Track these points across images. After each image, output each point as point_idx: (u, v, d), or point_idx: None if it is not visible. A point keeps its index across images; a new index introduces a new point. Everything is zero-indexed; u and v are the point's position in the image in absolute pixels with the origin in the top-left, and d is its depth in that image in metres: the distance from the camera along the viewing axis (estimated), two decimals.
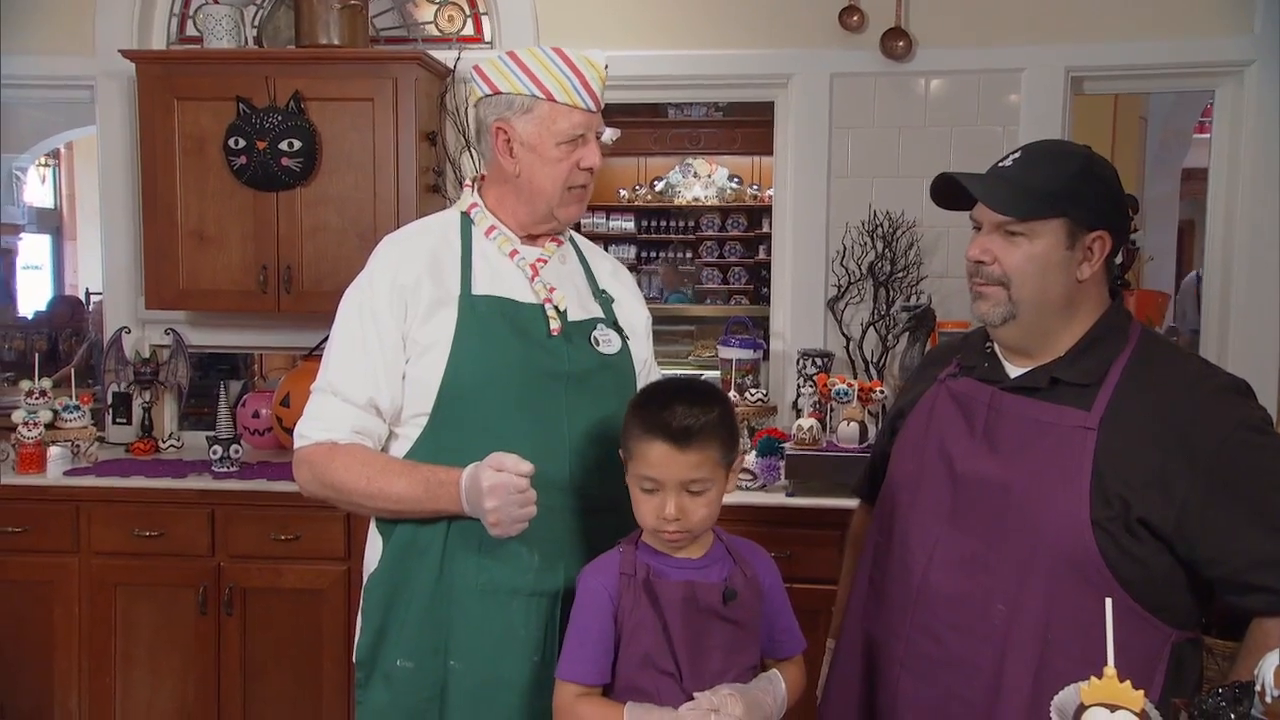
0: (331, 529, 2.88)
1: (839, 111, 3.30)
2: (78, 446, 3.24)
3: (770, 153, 3.56)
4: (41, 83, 3.54)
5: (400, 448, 1.60)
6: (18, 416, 3.03)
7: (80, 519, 2.92)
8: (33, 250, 8.46)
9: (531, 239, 1.68)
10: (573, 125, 1.57)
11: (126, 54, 3.23)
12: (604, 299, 1.73)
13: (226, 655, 2.90)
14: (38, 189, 8.36)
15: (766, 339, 3.54)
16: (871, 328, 3.30)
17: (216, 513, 2.91)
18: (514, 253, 1.64)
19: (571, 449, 1.58)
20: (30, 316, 7.51)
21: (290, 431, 3.29)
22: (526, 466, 1.41)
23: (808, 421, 2.79)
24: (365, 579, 1.65)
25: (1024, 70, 3.19)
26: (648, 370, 1.78)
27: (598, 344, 1.64)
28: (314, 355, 3.45)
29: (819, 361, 3.18)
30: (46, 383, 3.15)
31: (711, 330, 6.46)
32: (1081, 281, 1.42)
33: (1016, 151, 1.48)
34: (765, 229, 7.02)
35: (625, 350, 1.69)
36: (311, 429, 1.60)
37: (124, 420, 3.55)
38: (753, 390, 3.24)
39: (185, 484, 2.93)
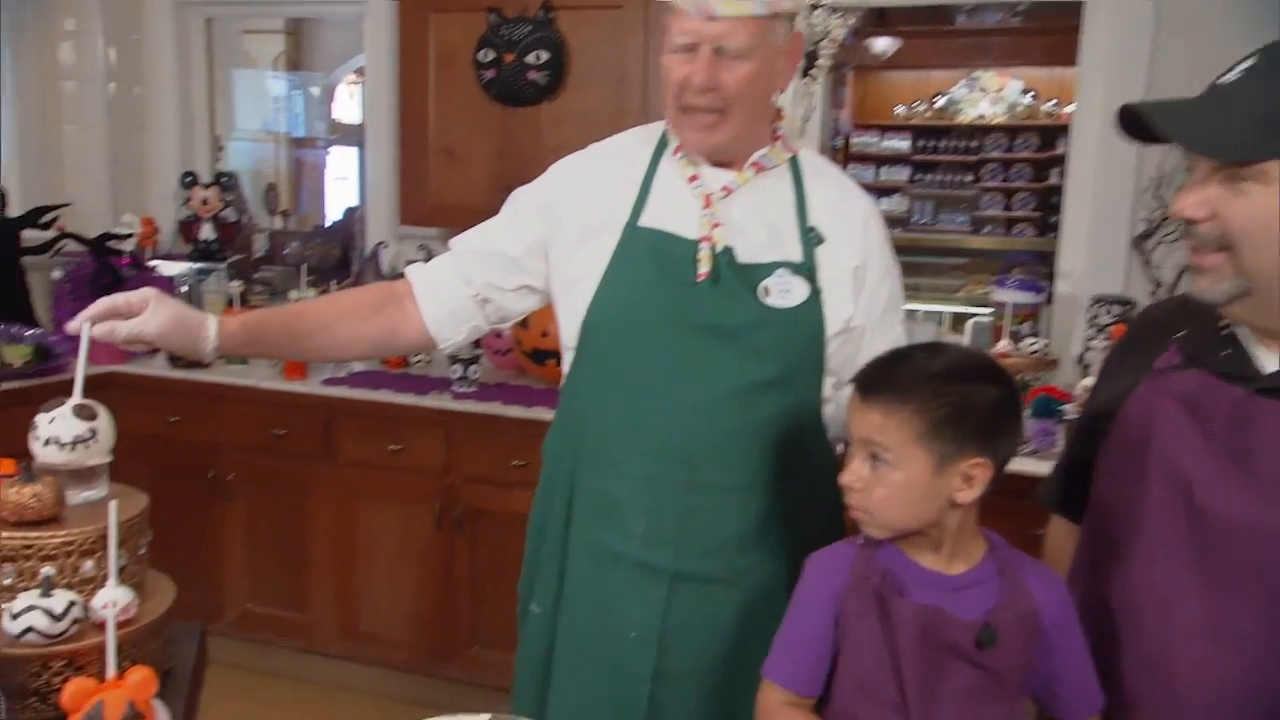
0: None
1: (1167, 13, 2.72)
2: None
3: (1073, 63, 3.02)
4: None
5: (564, 372, 1.48)
6: None
7: (332, 428, 3.04)
8: (341, 163, 9.17)
9: (724, 162, 1.41)
10: (681, 31, 1.31)
11: None
12: (809, 238, 1.39)
13: (457, 572, 2.94)
14: (347, 105, 8.98)
15: (1050, 279, 3.07)
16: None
17: (452, 433, 2.93)
18: (693, 178, 1.39)
19: (701, 414, 1.33)
20: (328, 225, 8.17)
21: (530, 355, 3.33)
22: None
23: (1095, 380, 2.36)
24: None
25: None
26: (865, 335, 1.40)
27: (766, 294, 1.34)
28: None
29: (1116, 310, 2.70)
30: (311, 293, 3.28)
31: (987, 265, 5.85)
32: None
33: (1251, 57, 1.03)
34: (1059, 150, 6.24)
35: (811, 304, 1.35)
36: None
37: None
38: (1030, 339, 2.81)
39: (425, 401, 2.96)
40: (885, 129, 7.47)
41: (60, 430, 1.25)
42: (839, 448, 1.42)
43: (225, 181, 3.79)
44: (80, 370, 1.30)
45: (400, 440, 2.97)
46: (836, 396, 1.38)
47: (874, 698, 1.14)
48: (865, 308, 1.39)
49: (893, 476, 1.12)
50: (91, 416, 1.28)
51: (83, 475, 1.29)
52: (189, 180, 3.73)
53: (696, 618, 1.34)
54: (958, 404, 1.11)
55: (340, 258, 7.46)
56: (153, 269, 3.52)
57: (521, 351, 3.24)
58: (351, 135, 9.23)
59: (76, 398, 1.29)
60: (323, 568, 3.09)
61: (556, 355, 3.15)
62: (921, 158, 7.46)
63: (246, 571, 3.14)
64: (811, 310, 1.35)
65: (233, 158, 4.20)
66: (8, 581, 1.18)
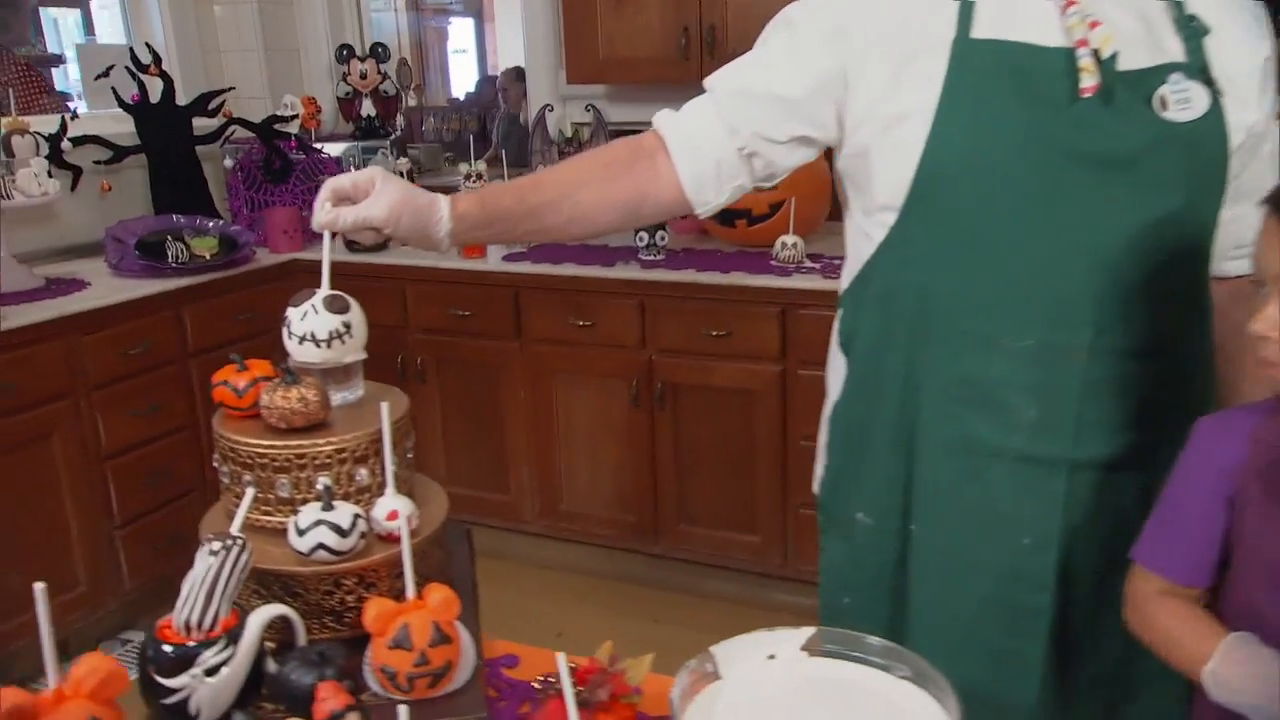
0: (764, 327, 2.62)
1: None
2: None
3: None
4: None
5: (863, 250, 1.20)
6: None
7: (519, 305, 2.93)
8: (460, 34, 8.92)
9: None
10: None
11: None
12: (1191, 30, 1.10)
13: (659, 449, 2.83)
14: None
15: None
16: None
17: (645, 304, 2.77)
18: None
19: (1097, 264, 1.07)
20: (461, 98, 7.99)
21: (716, 216, 3.09)
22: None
23: None
24: (828, 406, 1.31)
25: None
26: (1263, 142, 1.14)
27: (1164, 106, 1.06)
28: None
29: None
30: (481, 165, 3.13)
31: None
32: None
33: None
34: None
35: (1214, 114, 1.08)
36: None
37: None
38: None
39: (614, 272, 2.80)
40: None
41: (315, 325, 1.12)
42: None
43: (380, 53, 3.62)
44: (326, 256, 1.16)
45: (589, 315, 2.83)
46: (1224, 224, 1.12)
47: None
48: (1269, 109, 1.12)
49: None
50: (344, 309, 1.14)
51: (337, 374, 1.16)
52: (345, 53, 3.58)
53: (1099, 510, 1.13)
54: None
55: (479, 131, 7.33)
56: (319, 150, 3.42)
57: None
58: (472, 3, 8.95)
59: (325, 289, 1.15)
60: (519, 447, 3.03)
61: (746, 216, 2.96)
62: None
63: (443, 453, 3.12)
64: (1214, 121, 1.07)
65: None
66: (284, 494, 1.07)
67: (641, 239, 2.86)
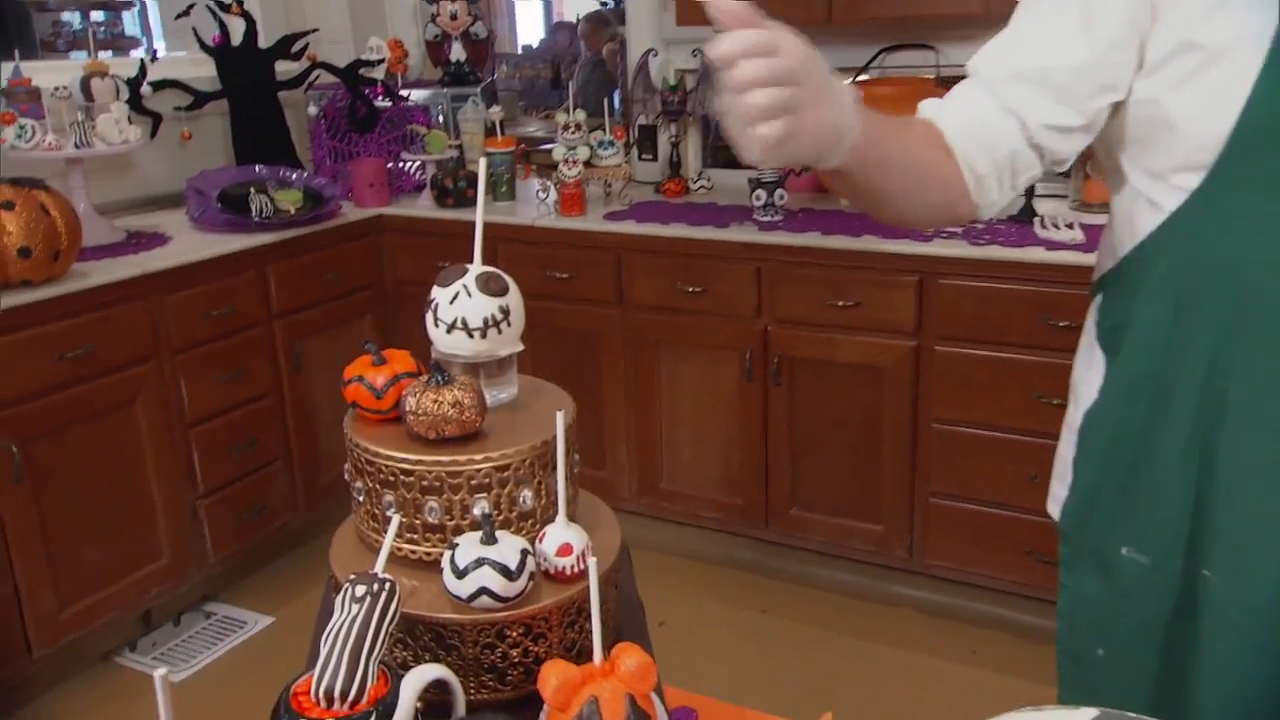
0: (898, 297, 2.37)
1: None
2: (609, 186, 3.03)
3: None
4: None
5: (1142, 222, 0.95)
6: (558, 153, 2.82)
7: (621, 268, 2.71)
8: None
9: None
10: None
11: None
12: None
13: (773, 427, 2.61)
14: None
15: None
16: None
17: (762, 270, 2.53)
18: None
19: None
20: (534, 45, 7.72)
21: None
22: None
23: None
24: (1075, 412, 1.07)
25: None
26: None
27: None
28: (864, 77, 2.84)
29: None
30: (581, 115, 2.89)
31: None
32: None
33: None
34: None
35: None
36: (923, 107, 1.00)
37: (649, 157, 3.28)
38: None
39: (727, 235, 2.56)
40: None
41: (467, 310, 0.91)
42: None
43: None
44: (479, 219, 0.95)
45: (700, 281, 2.60)
46: None
47: None
48: None
49: None
50: (502, 290, 0.93)
51: (490, 369, 0.96)
52: None
53: None
54: None
55: (553, 79, 7.05)
56: (406, 98, 3.22)
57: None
58: None
59: (478, 265, 0.94)
60: (618, 421, 2.83)
61: None
62: None
63: None
64: None
65: None
66: (433, 519, 0.87)
67: (758, 197, 2.61)
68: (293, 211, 2.71)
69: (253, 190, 2.70)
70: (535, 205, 2.88)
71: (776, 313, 2.54)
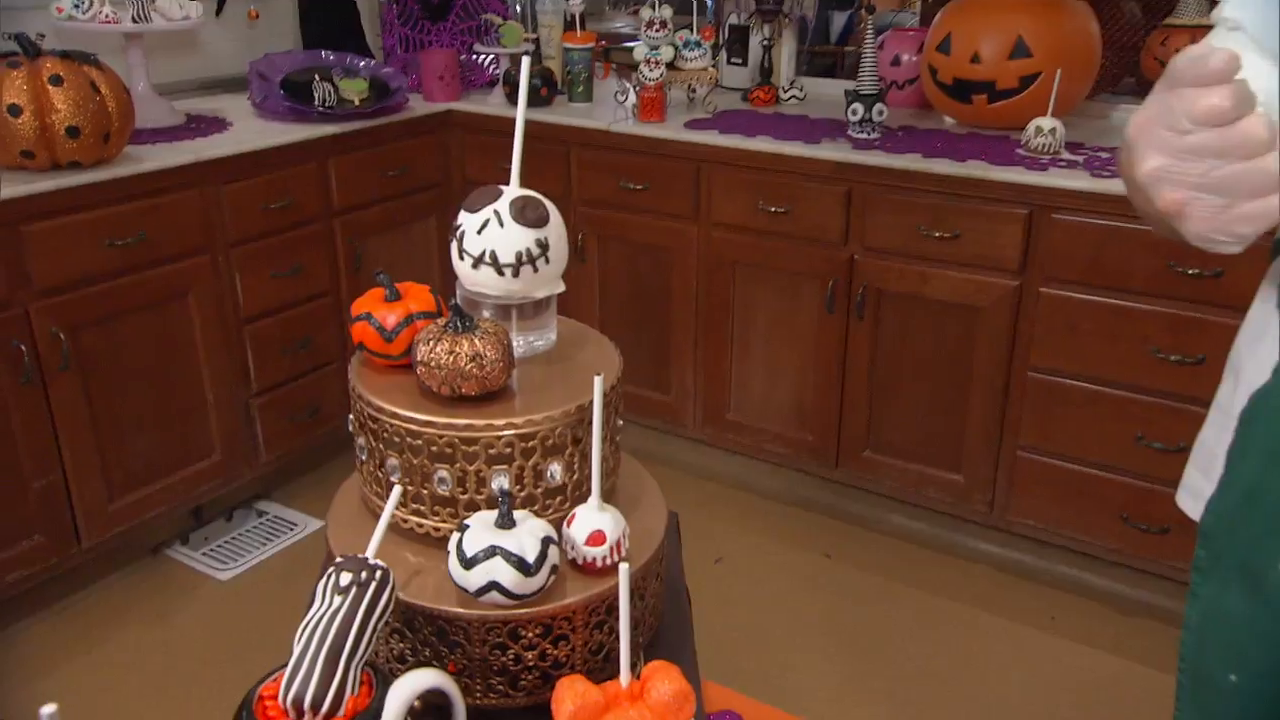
0: (1004, 231, 2.14)
1: None
2: (693, 91, 2.81)
3: None
4: None
5: None
6: (639, 52, 2.60)
7: (700, 182, 2.51)
8: None
9: None
10: None
11: None
12: None
13: (852, 363, 2.43)
14: None
15: None
16: None
17: (854, 192, 2.31)
18: None
19: None
20: None
21: (948, 88, 2.55)
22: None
23: None
24: (1237, 390, 0.87)
25: None
26: None
27: None
28: None
29: None
30: (667, 11, 2.66)
31: None
32: None
33: None
34: None
35: None
36: None
37: (738, 61, 3.03)
38: None
39: (818, 152, 2.34)
40: None
41: (497, 242, 0.76)
42: None
43: None
44: (519, 129, 0.79)
45: (784, 200, 2.40)
46: None
47: None
48: None
49: None
50: (540, 220, 0.77)
51: (525, 312, 0.81)
52: None
53: None
54: None
55: None
56: None
57: (936, 83, 2.49)
58: None
59: (515, 186, 0.78)
60: (685, 344, 2.67)
61: (988, 89, 2.41)
62: None
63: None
64: None
65: None
66: (443, 490, 0.74)
67: (855, 112, 2.37)
68: (357, 103, 2.56)
69: (317, 78, 2.56)
70: (612, 108, 2.69)
71: (866, 240, 2.32)
